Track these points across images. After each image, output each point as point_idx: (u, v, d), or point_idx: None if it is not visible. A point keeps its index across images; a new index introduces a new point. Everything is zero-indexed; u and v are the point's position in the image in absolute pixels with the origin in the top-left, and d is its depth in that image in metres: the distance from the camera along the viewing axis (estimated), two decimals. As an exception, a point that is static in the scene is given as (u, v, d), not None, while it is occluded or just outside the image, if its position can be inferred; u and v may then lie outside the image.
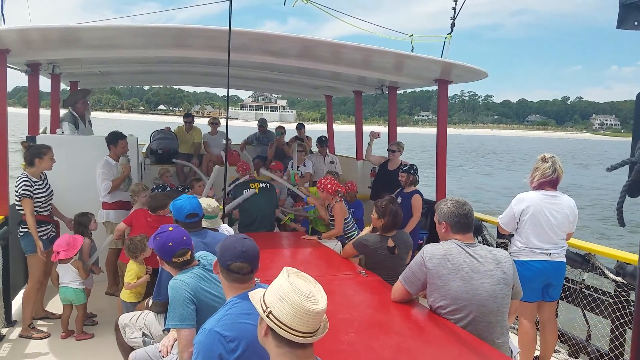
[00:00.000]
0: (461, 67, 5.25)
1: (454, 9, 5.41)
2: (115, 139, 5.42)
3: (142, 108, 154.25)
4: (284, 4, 4.74)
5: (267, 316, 1.63)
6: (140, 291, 4.16)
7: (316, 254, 4.37)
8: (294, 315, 1.60)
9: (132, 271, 4.12)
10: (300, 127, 9.60)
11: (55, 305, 4.87)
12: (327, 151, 8.34)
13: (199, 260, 2.92)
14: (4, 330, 4.48)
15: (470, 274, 2.75)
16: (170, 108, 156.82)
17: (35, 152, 4.56)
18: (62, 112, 6.96)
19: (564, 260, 4.10)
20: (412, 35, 5.47)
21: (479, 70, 5.39)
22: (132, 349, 3.40)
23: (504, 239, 5.24)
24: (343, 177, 8.01)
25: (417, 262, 2.93)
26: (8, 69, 4.81)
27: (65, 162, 5.19)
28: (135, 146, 6.14)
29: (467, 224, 2.88)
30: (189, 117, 8.94)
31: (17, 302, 4.85)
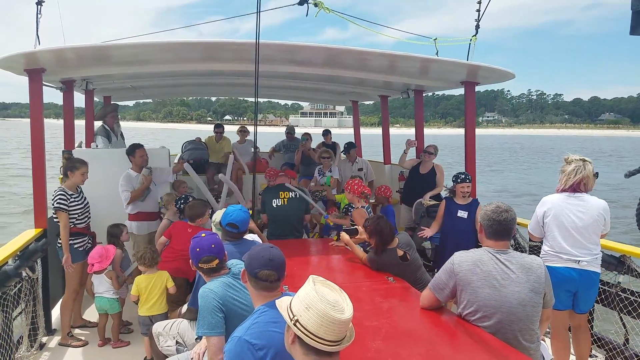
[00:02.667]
0: (487, 68, 5.19)
1: (478, 10, 5.35)
2: (133, 150, 5.54)
3: (209, 119, 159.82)
4: (306, 15, 4.77)
5: (294, 324, 1.65)
6: (154, 304, 4.26)
7: (344, 260, 4.36)
8: (320, 323, 1.61)
9: (135, 286, 4.27)
10: (326, 133, 9.61)
11: (92, 314, 5.03)
12: (356, 157, 8.30)
13: (229, 269, 2.98)
14: (45, 339, 4.65)
15: (500, 282, 2.71)
16: (235, 118, 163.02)
17: (68, 166, 4.74)
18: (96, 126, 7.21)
19: (597, 270, 3.87)
20: (436, 39, 5.44)
21: (506, 71, 5.32)
22: (165, 356, 3.49)
23: (536, 243, 5.11)
24: (375, 182, 8.01)
25: (447, 269, 2.90)
26: (44, 87, 5.02)
27: (99, 175, 5.37)
28: (167, 158, 6.30)
29: (501, 231, 2.81)
30: (219, 128, 9.09)
31: (56, 311, 5.03)
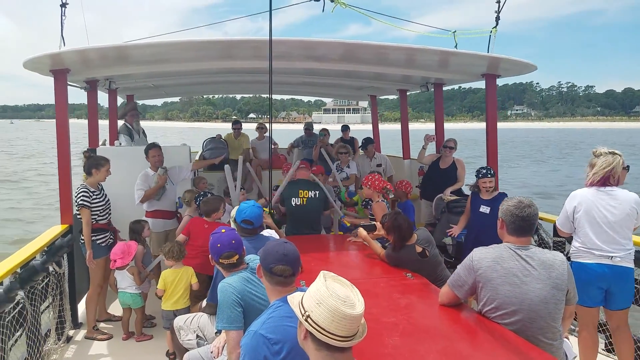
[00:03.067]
0: (508, 60, 5.11)
1: (498, 2, 5.26)
2: (147, 150, 5.62)
3: (234, 117, 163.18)
4: (322, 11, 4.76)
5: (306, 320, 1.67)
6: (178, 299, 4.32)
7: (362, 256, 4.36)
8: (331, 319, 1.62)
9: (162, 280, 4.34)
10: (344, 129, 9.59)
11: (117, 308, 5.12)
12: (374, 152, 8.27)
13: (247, 264, 3.02)
14: (71, 332, 4.78)
15: (521, 279, 2.66)
16: (260, 116, 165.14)
17: (93, 163, 4.84)
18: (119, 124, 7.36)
19: (631, 265, 3.75)
20: (455, 31, 5.37)
21: (527, 63, 5.22)
22: (186, 350, 3.55)
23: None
24: (395, 178, 7.98)
25: (466, 266, 2.86)
26: (71, 87, 5.14)
27: (121, 172, 5.48)
28: (187, 155, 6.38)
29: (523, 227, 2.75)
30: (237, 124, 9.16)
31: (82, 306, 5.16)
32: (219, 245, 2.94)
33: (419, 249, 3.89)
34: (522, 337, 2.58)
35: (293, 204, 5.34)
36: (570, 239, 4.32)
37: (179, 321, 3.74)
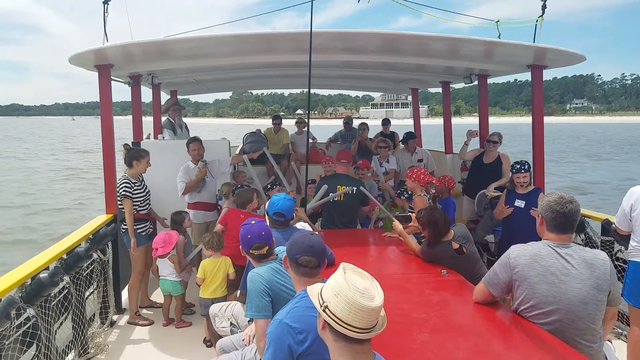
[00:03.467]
0: (555, 51, 4.90)
1: None
2: (188, 144, 5.75)
3: (282, 113, 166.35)
4: (358, 2, 4.71)
5: (324, 310, 1.66)
6: (216, 288, 4.42)
7: (397, 252, 4.30)
8: (349, 310, 1.61)
9: (201, 269, 4.45)
10: (385, 123, 9.47)
11: (159, 295, 5.30)
12: (415, 147, 8.12)
13: (277, 255, 3.05)
14: (115, 317, 4.99)
15: (559, 277, 2.55)
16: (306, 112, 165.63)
17: (134, 155, 5.02)
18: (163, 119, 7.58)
19: None
20: (498, 21, 5.19)
21: (575, 53, 4.99)
22: (220, 337, 3.63)
23: (609, 237, 4.77)
24: (436, 173, 7.84)
25: (502, 263, 2.77)
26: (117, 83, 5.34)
27: (164, 165, 5.66)
28: (227, 149, 6.50)
29: (564, 224, 2.63)
30: (277, 119, 9.25)
31: (126, 292, 5.36)
32: (249, 236, 2.98)
33: (455, 246, 3.80)
34: (559, 338, 2.47)
35: (331, 199, 5.31)
36: (623, 239, 4.12)
37: (214, 309, 3.84)
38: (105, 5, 5.03)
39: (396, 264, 4.07)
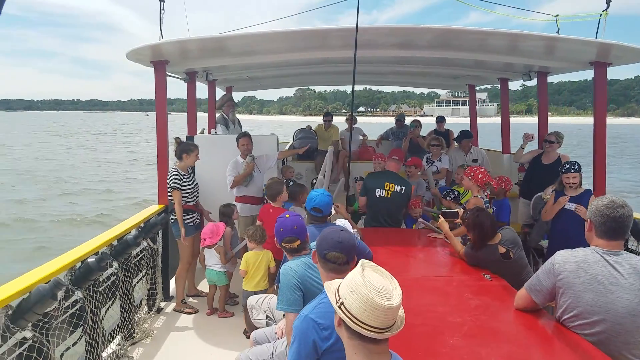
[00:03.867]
0: (620, 47, 4.59)
1: None
2: (238, 139, 5.86)
3: (344, 110, 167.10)
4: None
5: (339, 307, 1.63)
6: (258, 281, 4.46)
7: (440, 253, 4.17)
8: (364, 309, 1.56)
9: (244, 261, 4.51)
10: (440, 120, 9.21)
11: (206, 285, 5.42)
12: (470, 146, 7.83)
13: (311, 249, 3.04)
14: (163, 304, 5.19)
15: (606, 286, 2.38)
16: (369, 109, 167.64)
17: (184, 148, 5.19)
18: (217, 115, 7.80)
19: None
20: (557, 15, 4.91)
21: None
22: (257, 328, 3.68)
23: None
24: (492, 174, 7.54)
25: (546, 269, 2.63)
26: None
27: (215, 158, 5.81)
28: (275, 144, 6.58)
29: (615, 230, 2.46)
30: (327, 116, 9.25)
31: (174, 280, 5.57)
32: (281, 229, 3.01)
33: (502, 250, 3.62)
34: (603, 350, 2.30)
35: (377, 194, 5.22)
36: None
37: (251, 301, 3.89)
38: (162, 3, 5.22)
39: (437, 265, 3.95)
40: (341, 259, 2.31)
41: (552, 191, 5.16)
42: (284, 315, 3.48)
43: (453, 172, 7.24)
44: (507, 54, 5.66)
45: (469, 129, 8.30)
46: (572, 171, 4.78)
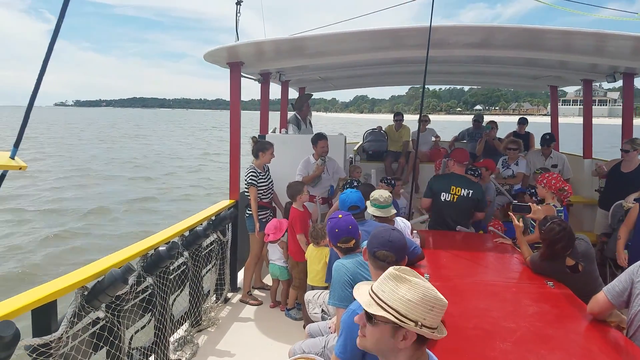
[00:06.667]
0: None
1: None
2: (316, 140, 5.93)
3: (459, 109, 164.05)
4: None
5: (421, 329, 1.54)
6: (314, 276, 4.51)
7: (503, 259, 4.03)
8: (439, 316, 1.56)
9: (307, 252, 4.59)
10: (522, 122, 8.75)
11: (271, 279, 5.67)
12: (551, 151, 7.39)
13: (360, 248, 3.08)
14: (230, 294, 5.45)
15: None
16: (487, 107, 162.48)
17: (260, 147, 5.42)
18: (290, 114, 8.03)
19: None
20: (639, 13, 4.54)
21: None
22: (313, 322, 3.78)
23: None
24: (574, 180, 7.15)
25: (629, 271, 2.58)
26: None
27: (285, 157, 5.99)
28: (342, 144, 6.66)
29: None
30: (398, 116, 9.17)
31: (242, 273, 5.83)
32: (337, 230, 3.05)
33: (570, 262, 3.42)
34: None
35: (442, 198, 5.06)
36: None
37: (308, 295, 4.00)
38: (238, 7, 5.47)
39: (499, 270, 3.82)
40: (390, 258, 2.34)
41: (635, 200, 4.77)
42: (338, 310, 3.56)
43: (531, 177, 6.90)
44: (592, 55, 5.35)
45: (550, 131, 7.86)
46: None
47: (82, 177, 21.94)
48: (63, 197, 17.26)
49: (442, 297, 1.56)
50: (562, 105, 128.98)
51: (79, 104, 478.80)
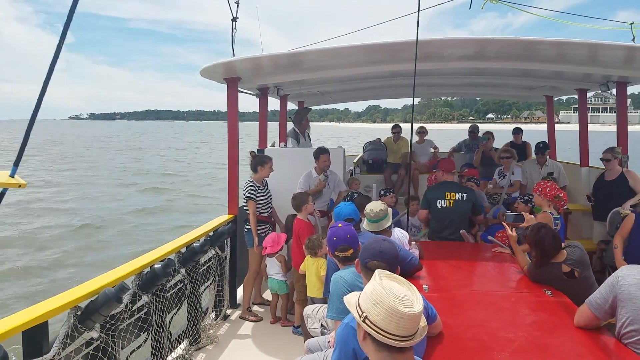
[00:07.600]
0: None
1: None
2: (318, 154, 5.93)
3: (471, 118, 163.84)
4: (470, 8, 4.53)
5: (364, 321, 1.64)
6: (311, 287, 4.50)
7: (502, 269, 4.01)
8: (389, 319, 1.58)
9: (304, 262, 4.58)
10: (516, 132, 8.83)
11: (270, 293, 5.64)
12: (546, 159, 7.44)
13: None
14: (229, 311, 5.41)
15: None
16: (499, 116, 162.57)
17: (258, 161, 5.43)
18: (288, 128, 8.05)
19: None
20: (632, 23, 4.61)
21: None
22: (312, 337, 3.76)
23: None
24: (570, 188, 7.17)
25: (609, 282, 2.56)
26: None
27: (283, 171, 6.00)
28: (341, 157, 6.68)
29: None
30: (396, 128, 9.21)
31: (242, 289, 5.79)
32: (335, 238, 3.08)
33: (565, 269, 3.43)
34: None
35: (439, 205, 5.15)
36: None
37: (308, 310, 3.98)
38: (234, 23, 5.52)
39: (497, 280, 3.80)
40: (381, 268, 2.34)
41: (631, 207, 4.79)
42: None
43: (528, 186, 6.92)
44: (585, 64, 5.40)
45: (547, 140, 7.91)
46: None
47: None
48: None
49: (392, 298, 1.60)
50: (573, 112, 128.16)
51: (93, 117, 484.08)
